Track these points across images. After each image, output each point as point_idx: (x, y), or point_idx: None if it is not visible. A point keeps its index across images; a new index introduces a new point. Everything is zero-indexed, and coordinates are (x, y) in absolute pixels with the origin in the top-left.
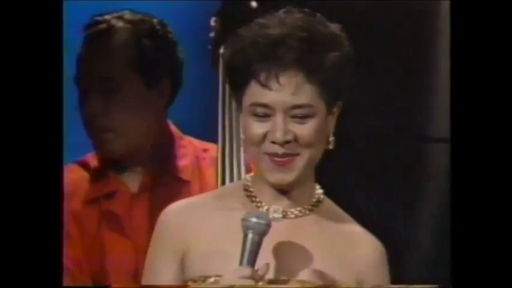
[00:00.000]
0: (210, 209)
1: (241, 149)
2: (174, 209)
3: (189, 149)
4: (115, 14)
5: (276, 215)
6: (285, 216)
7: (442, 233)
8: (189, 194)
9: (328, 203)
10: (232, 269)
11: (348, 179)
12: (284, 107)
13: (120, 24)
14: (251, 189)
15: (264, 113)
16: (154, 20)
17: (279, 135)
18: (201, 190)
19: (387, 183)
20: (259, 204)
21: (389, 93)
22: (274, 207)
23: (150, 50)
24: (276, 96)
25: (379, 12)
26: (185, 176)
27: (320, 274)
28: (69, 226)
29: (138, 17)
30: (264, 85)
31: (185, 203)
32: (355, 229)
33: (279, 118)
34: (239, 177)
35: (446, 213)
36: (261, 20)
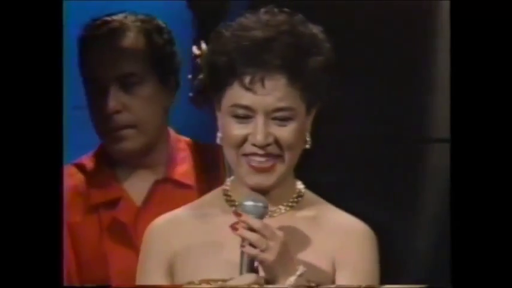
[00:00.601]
0: (191, 219)
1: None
2: (158, 224)
3: (187, 152)
4: (119, 15)
5: None
6: (268, 216)
7: (442, 233)
8: (192, 198)
9: (310, 196)
10: (237, 277)
11: (347, 180)
12: (266, 110)
13: (128, 22)
14: (229, 194)
15: (245, 114)
16: (158, 20)
17: (260, 138)
18: (205, 193)
19: (387, 183)
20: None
21: (388, 94)
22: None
23: (160, 47)
24: (258, 99)
25: (379, 13)
26: (187, 180)
27: (307, 267)
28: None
29: (141, 16)
30: (248, 88)
31: (168, 217)
32: (338, 216)
33: (260, 120)
34: None
35: (446, 213)
36: (242, 20)
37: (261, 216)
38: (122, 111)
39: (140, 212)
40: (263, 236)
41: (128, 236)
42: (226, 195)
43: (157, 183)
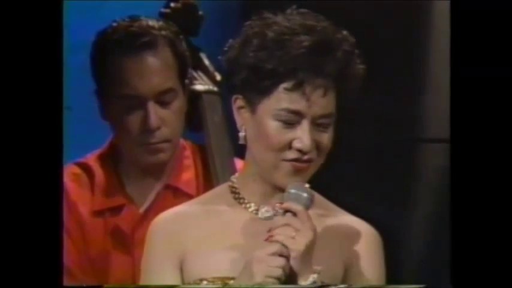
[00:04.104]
0: (198, 215)
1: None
2: (164, 219)
3: (192, 159)
4: (143, 21)
5: (267, 214)
6: (275, 214)
7: (442, 233)
8: None
9: (315, 196)
10: (262, 247)
11: (347, 180)
12: (314, 116)
13: (156, 32)
14: (238, 191)
15: (292, 119)
16: (174, 25)
17: (308, 144)
18: None
19: (387, 183)
20: (248, 205)
21: (388, 93)
22: (265, 207)
23: (183, 55)
24: (309, 105)
25: (378, 13)
26: (188, 189)
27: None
28: (70, 237)
29: (160, 23)
30: (306, 95)
31: (174, 212)
32: (345, 218)
33: (306, 126)
34: None
35: (446, 213)
36: (278, 21)
37: (304, 206)
38: (161, 127)
39: (141, 219)
40: (294, 225)
41: (126, 244)
42: (234, 192)
43: (160, 190)
